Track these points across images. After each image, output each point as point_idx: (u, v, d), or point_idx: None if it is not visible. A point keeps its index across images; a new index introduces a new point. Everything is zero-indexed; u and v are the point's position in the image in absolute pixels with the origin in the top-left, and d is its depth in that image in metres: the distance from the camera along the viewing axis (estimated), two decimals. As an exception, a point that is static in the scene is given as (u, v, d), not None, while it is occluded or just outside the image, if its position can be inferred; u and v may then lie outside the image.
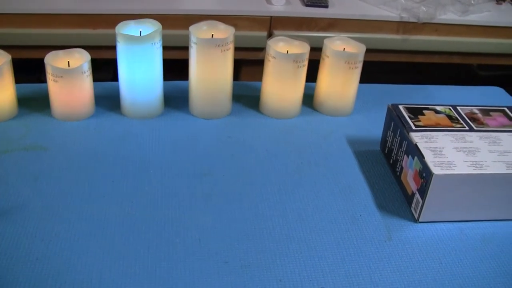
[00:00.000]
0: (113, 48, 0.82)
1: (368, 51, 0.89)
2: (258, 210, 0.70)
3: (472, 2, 1.50)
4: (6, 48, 0.84)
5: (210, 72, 0.84)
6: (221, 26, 0.85)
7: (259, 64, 0.90)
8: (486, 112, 0.80)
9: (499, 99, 1.04)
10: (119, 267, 0.60)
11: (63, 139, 0.80)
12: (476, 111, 0.80)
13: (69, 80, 0.81)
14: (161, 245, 0.64)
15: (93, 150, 0.79)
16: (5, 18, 1.27)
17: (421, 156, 0.69)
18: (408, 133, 0.74)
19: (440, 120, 0.77)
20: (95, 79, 0.86)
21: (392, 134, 0.79)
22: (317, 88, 0.92)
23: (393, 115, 0.79)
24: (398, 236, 0.68)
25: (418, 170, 0.70)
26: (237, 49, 0.86)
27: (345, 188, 0.75)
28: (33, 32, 1.29)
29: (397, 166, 0.77)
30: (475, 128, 0.76)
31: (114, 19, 0.86)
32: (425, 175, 0.68)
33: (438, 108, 0.80)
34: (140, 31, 0.83)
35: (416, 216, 0.70)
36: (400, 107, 0.80)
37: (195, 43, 0.82)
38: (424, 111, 0.79)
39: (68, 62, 0.83)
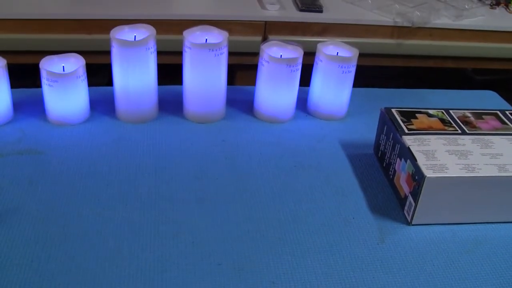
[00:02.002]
0: (108, 53, 0.82)
1: (362, 55, 0.89)
2: (251, 213, 0.71)
3: (466, 6, 1.51)
4: (1, 53, 0.85)
5: (204, 76, 0.85)
6: (215, 31, 0.86)
7: (254, 69, 0.91)
8: (478, 116, 0.81)
9: (492, 103, 1.04)
10: (113, 270, 0.60)
11: (58, 144, 0.81)
12: (469, 115, 0.81)
13: (64, 85, 0.81)
14: (155, 247, 0.64)
15: (87, 154, 0.79)
16: (0, 23, 1.28)
17: (413, 159, 0.70)
18: (401, 137, 0.74)
19: (433, 123, 0.78)
20: (90, 83, 0.86)
21: (385, 137, 0.80)
22: (311, 92, 0.93)
23: (386, 118, 0.79)
24: (391, 239, 0.69)
25: (410, 173, 0.70)
26: (231, 54, 0.86)
27: (338, 191, 0.76)
28: (28, 37, 1.29)
29: (390, 169, 0.77)
30: (467, 131, 0.77)
31: (108, 24, 0.86)
32: (417, 178, 0.68)
33: (430, 111, 0.81)
34: (135, 36, 0.83)
35: (408, 218, 0.71)
36: (393, 110, 0.80)
37: (189, 48, 0.82)
38: (417, 115, 0.79)
39: (63, 66, 0.83)
